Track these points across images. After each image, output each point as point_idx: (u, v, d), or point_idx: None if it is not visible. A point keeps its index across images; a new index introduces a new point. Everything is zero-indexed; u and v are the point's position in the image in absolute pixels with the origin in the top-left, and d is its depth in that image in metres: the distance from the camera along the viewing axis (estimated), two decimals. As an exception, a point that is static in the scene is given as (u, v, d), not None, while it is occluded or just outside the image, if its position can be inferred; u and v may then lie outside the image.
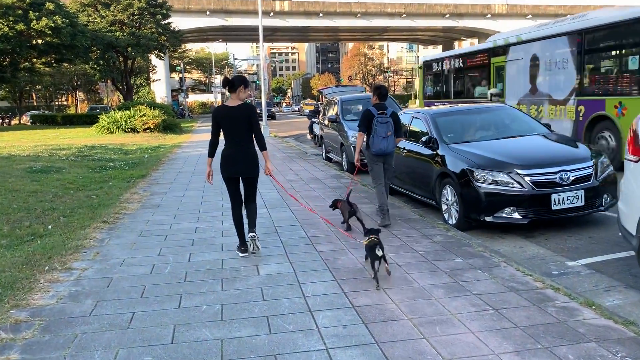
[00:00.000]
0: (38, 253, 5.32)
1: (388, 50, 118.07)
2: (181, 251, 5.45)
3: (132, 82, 51.23)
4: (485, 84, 14.34)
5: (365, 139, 6.48)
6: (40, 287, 4.41)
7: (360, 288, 4.20)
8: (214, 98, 68.35)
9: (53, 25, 29.11)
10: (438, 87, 17.31)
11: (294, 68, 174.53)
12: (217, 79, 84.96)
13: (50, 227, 6.60)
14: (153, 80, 60.74)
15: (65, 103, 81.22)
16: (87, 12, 41.49)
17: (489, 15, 64.29)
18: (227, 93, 5.30)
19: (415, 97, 41.99)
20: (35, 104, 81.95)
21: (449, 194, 6.46)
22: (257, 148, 5.20)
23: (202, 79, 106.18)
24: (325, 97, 14.64)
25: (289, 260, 5.01)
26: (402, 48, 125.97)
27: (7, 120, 51.66)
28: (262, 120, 26.21)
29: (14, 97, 58.20)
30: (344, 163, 11.78)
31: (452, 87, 16.30)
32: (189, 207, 7.83)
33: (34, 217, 7.14)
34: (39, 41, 31.64)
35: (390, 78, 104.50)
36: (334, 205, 6.37)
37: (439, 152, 6.75)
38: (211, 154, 5.28)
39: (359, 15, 64.74)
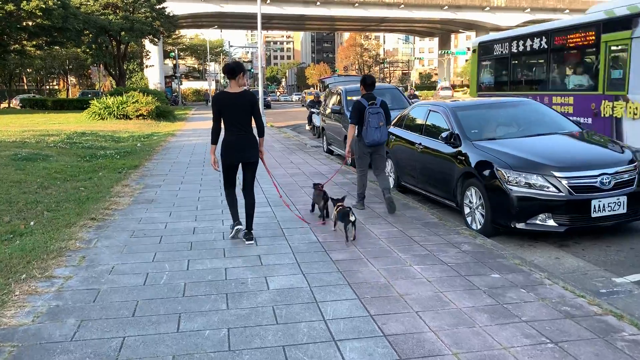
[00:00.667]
0: (16, 256, 4.69)
1: (384, 42, 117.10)
2: (178, 257, 4.84)
3: (125, 68, 50.21)
4: (582, 72, 10.34)
5: (356, 131, 6.56)
6: (14, 300, 3.79)
7: (389, 310, 3.61)
8: (208, 85, 67.32)
9: (44, 6, 28.14)
10: (502, 75, 12.92)
11: (288, 57, 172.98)
12: (212, 66, 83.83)
13: (32, 223, 5.97)
14: (146, 66, 59.65)
15: (56, 87, 79.83)
16: (80, -7, 40.36)
17: (487, 8, 63.58)
18: (227, 80, 5.35)
19: (411, 89, 40.89)
20: (26, 87, 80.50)
21: (473, 196, 5.88)
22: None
23: (196, 65, 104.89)
24: (327, 87, 13.97)
25: (302, 272, 4.41)
26: (398, 39, 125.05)
27: (-5, 104, 50.44)
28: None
29: (4, 80, 56.98)
30: (348, 157, 11.19)
31: (526, 75, 12.35)
32: (185, 203, 7.21)
33: (15, 212, 6.50)
34: (29, 23, 30.65)
35: (385, 69, 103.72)
36: (315, 187, 6.39)
37: (462, 149, 6.16)
38: (215, 141, 5.25)
39: (356, 4, 63.83)
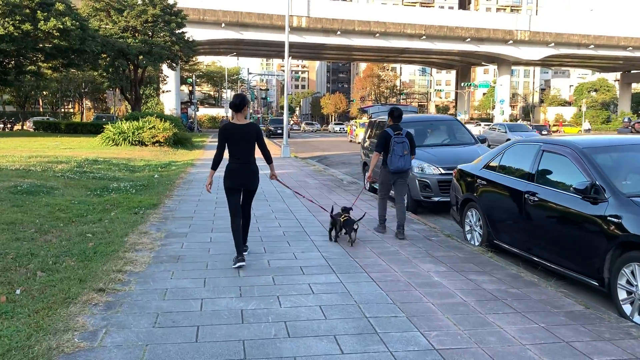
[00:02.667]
0: (-21, 366, 3.02)
1: (401, 73, 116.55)
2: (229, 374, 3.13)
3: (141, 92, 49.38)
4: None
5: (381, 158, 6.96)
6: None
7: None
8: (224, 112, 66.53)
9: (62, 27, 27.12)
10: None
11: (303, 87, 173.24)
12: (228, 93, 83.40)
13: (18, 292, 4.34)
14: (163, 92, 58.98)
15: (71, 110, 79.46)
16: (99, 16, 39.75)
17: (510, 42, 62.57)
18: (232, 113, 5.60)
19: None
20: (41, 110, 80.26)
21: (638, 277, 4.15)
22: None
23: (212, 92, 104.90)
24: (370, 117, 12.39)
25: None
26: (415, 71, 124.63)
27: (9, 126, 49.72)
28: (281, 137, 23.98)
29: (18, 102, 56.40)
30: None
31: None
32: (222, 264, 5.51)
33: (0, 270, 4.87)
34: (46, 44, 29.69)
35: (402, 101, 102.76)
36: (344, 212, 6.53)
37: (611, 208, 4.45)
38: (215, 167, 5.57)
39: (377, 35, 63.22)
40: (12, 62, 32.00)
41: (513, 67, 77.35)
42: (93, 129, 34.59)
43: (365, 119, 32.07)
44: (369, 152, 11.71)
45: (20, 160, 13.72)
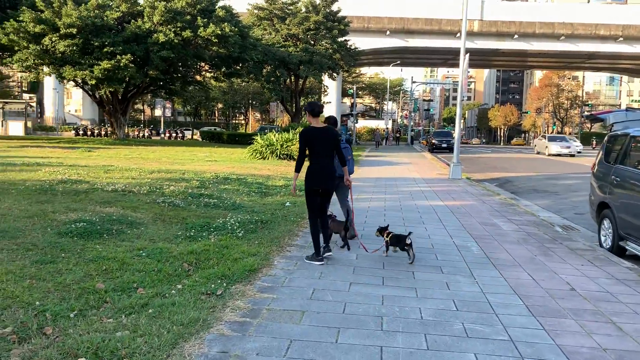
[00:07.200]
0: None
1: (583, 82, 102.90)
2: None
3: (301, 104, 48.39)
4: None
5: None
6: None
7: None
8: (384, 124, 63.49)
9: (220, 32, 26.11)
10: None
11: (468, 98, 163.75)
12: (389, 105, 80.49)
13: None
14: (324, 103, 57.87)
15: (242, 121, 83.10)
16: (263, 25, 39.20)
17: None
18: (309, 115, 5.78)
19: None
20: (217, 120, 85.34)
21: None
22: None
23: (373, 104, 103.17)
24: (610, 128, 7.74)
25: None
26: (600, 80, 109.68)
27: (180, 135, 52.15)
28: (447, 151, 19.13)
29: (189, 112, 59.39)
30: None
31: None
32: None
33: None
34: (206, 51, 29.18)
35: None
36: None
37: None
38: (299, 170, 5.75)
39: (562, 38, 55.18)
40: (179, 72, 32.24)
41: None
42: (252, 140, 33.75)
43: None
44: (617, 187, 7.12)
45: (138, 176, 11.59)
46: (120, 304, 4.09)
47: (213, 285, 4.56)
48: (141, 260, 5.26)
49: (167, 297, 4.29)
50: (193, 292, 4.38)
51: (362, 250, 6.30)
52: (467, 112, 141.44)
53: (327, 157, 5.64)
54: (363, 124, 74.51)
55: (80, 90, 39.93)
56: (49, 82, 54.86)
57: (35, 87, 67.11)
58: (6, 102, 46.54)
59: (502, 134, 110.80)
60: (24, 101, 52.68)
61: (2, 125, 43.76)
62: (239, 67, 33.81)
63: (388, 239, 5.97)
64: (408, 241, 5.72)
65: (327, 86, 52.94)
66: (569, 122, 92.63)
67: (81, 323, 3.71)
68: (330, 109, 56.91)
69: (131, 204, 7.97)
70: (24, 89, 71.25)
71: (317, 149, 5.59)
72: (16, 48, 25.29)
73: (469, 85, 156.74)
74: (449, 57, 61.99)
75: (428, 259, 6.09)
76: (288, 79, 41.30)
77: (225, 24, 26.86)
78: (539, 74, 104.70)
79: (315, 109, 5.68)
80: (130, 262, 5.13)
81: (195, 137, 53.56)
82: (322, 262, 5.56)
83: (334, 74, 44.14)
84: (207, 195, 9.74)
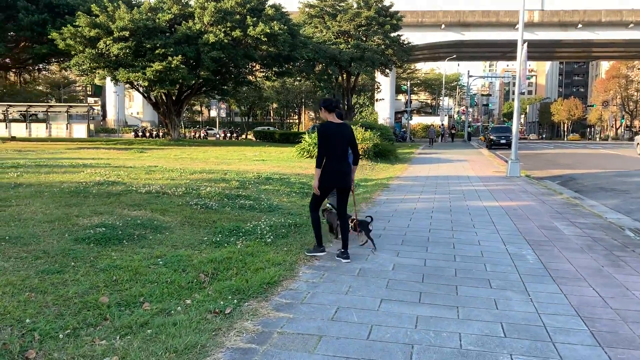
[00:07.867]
0: None
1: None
2: None
3: (353, 101, 47.68)
4: None
5: None
6: None
7: None
8: (439, 120, 61.80)
9: (269, 31, 25.89)
10: None
11: (529, 92, 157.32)
12: (445, 101, 78.50)
13: None
14: (377, 100, 56.96)
15: (297, 121, 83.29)
16: (314, 23, 38.84)
17: None
18: (324, 112, 5.65)
19: None
20: (272, 120, 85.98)
21: None
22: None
23: (428, 100, 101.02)
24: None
25: None
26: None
27: (235, 135, 52.66)
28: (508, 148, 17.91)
29: (244, 112, 59.91)
30: None
31: None
32: None
33: None
34: (256, 50, 29.08)
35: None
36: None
37: None
38: (321, 165, 5.51)
39: (630, 25, 51.81)
40: (231, 72, 32.35)
41: None
42: (300, 138, 33.45)
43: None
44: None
45: (178, 177, 11.38)
46: (119, 322, 3.68)
47: (222, 302, 4.06)
48: (156, 269, 4.87)
49: (171, 314, 3.84)
50: (200, 310, 3.91)
51: (399, 260, 5.66)
52: (527, 106, 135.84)
53: (343, 153, 5.55)
54: (418, 120, 72.90)
55: (139, 93, 40.97)
56: (110, 86, 56.85)
57: (99, 91, 69.89)
58: (70, 106, 48.57)
59: (565, 129, 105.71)
60: (87, 105, 54.79)
61: (67, 128, 45.65)
62: (290, 66, 33.59)
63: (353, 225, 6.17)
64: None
65: (379, 83, 52.03)
66: (639, 115, 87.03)
67: (70, 345, 3.31)
68: (384, 106, 55.97)
69: (161, 207, 7.66)
70: (88, 93, 74.37)
71: (334, 145, 5.49)
72: (72, 52, 26.05)
73: (529, 79, 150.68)
74: (507, 50, 59.52)
75: (476, 270, 5.39)
76: (340, 77, 40.77)
77: (275, 22, 26.63)
78: (605, 65, 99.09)
79: (331, 104, 5.60)
80: (143, 272, 4.75)
81: (249, 136, 53.95)
82: (325, 252, 5.70)
83: (387, 70, 43.21)
84: (244, 196, 9.35)
